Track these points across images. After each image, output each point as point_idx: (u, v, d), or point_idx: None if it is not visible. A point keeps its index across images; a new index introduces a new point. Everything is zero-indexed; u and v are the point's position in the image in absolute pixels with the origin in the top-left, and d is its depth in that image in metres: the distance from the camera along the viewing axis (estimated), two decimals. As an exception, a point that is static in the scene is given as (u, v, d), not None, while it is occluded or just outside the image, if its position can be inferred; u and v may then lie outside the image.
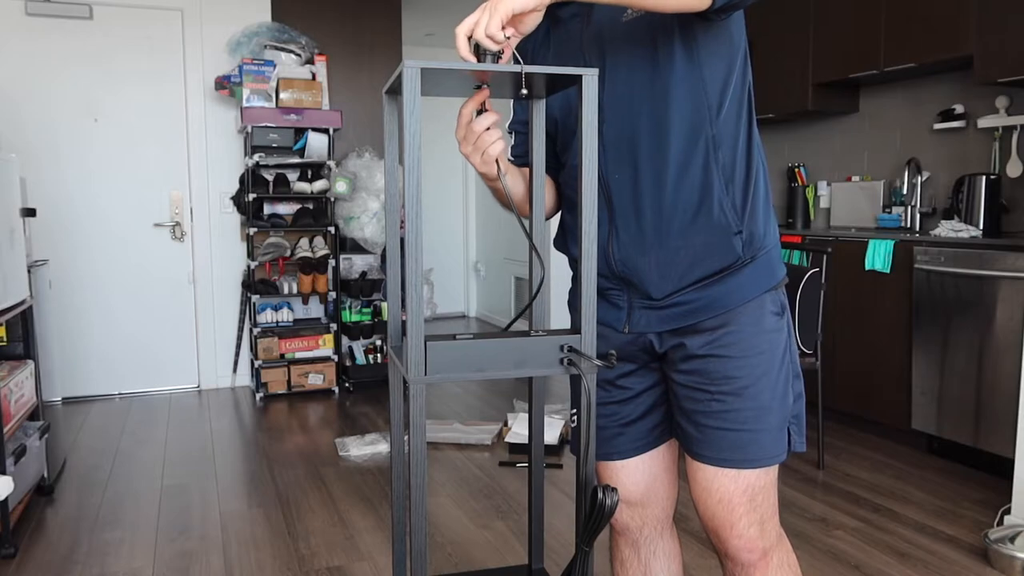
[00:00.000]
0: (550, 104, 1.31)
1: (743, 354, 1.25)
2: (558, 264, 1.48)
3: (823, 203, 4.64)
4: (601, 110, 1.22)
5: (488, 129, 1.11)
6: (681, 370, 1.29)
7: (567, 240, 1.37)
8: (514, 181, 1.29)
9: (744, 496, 1.26)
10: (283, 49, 4.63)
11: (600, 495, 0.98)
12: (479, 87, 1.07)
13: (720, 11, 1.11)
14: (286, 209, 4.79)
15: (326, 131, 4.65)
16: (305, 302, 4.90)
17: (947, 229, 3.44)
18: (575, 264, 1.32)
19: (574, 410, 1.39)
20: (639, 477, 1.40)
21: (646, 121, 1.21)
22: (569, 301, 1.39)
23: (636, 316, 1.30)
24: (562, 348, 1.01)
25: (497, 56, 1.02)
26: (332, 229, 4.72)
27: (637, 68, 1.22)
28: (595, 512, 0.99)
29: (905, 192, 4.01)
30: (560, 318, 1.59)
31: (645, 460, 1.40)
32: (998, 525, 2.60)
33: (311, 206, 4.77)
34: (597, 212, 1.23)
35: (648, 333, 1.31)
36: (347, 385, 4.83)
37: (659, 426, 1.39)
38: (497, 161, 1.15)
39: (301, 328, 4.76)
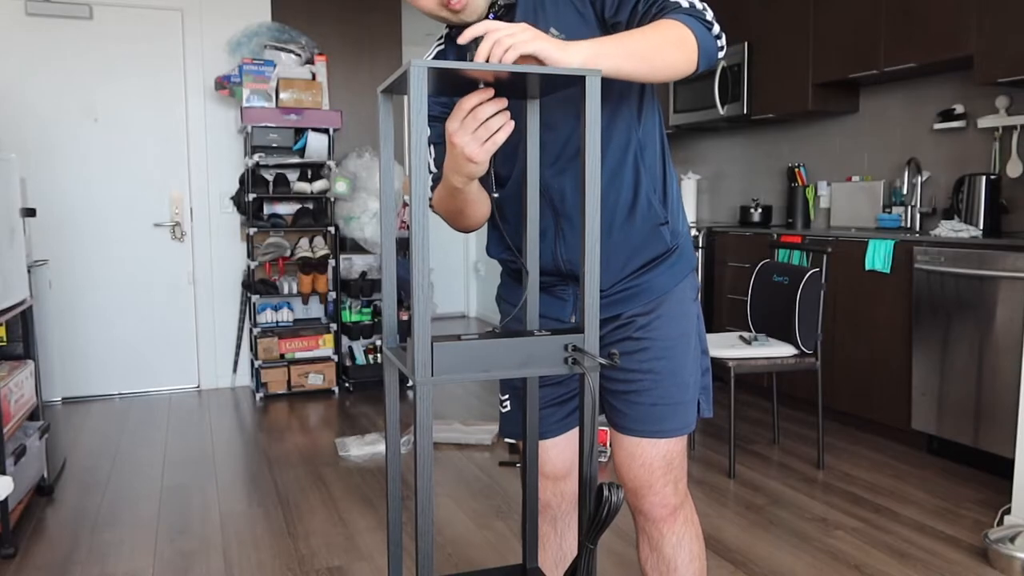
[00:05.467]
0: None
1: (669, 337, 1.41)
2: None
3: (823, 203, 4.64)
4: (544, 127, 1.32)
5: (494, 116, 1.10)
6: (616, 353, 1.40)
7: (497, 246, 1.53)
8: (480, 189, 1.33)
9: (663, 460, 1.43)
10: (283, 49, 4.63)
11: (606, 492, 0.98)
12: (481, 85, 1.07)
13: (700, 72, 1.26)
14: (286, 209, 4.79)
15: (326, 131, 4.66)
16: (305, 302, 4.90)
17: (947, 229, 3.44)
18: (505, 264, 1.54)
19: (505, 396, 1.55)
20: (567, 454, 1.53)
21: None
22: (497, 296, 1.58)
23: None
24: (566, 347, 1.01)
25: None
26: (332, 229, 4.73)
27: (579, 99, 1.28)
28: (600, 509, 0.99)
29: (905, 192, 4.01)
30: None
31: (570, 437, 1.53)
32: (998, 525, 2.60)
33: (311, 206, 4.77)
34: (543, 219, 1.36)
35: None
36: (347, 385, 4.83)
37: (574, 412, 1.52)
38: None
39: (301, 328, 4.76)
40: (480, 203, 1.36)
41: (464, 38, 1.08)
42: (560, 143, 1.35)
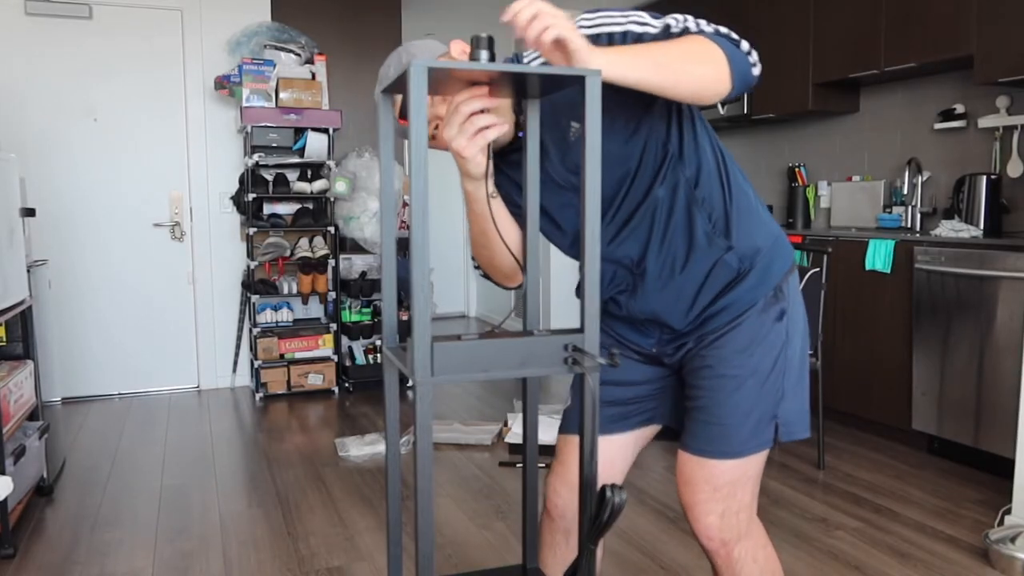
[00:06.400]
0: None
1: (732, 357, 1.35)
2: (557, 268, 1.51)
3: (823, 203, 4.64)
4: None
5: (481, 112, 1.09)
6: (686, 369, 1.43)
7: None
8: (499, 206, 1.32)
9: (707, 484, 1.36)
10: (283, 49, 4.63)
11: (608, 493, 0.98)
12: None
13: (732, 99, 1.23)
14: (286, 209, 4.79)
15: (326, 131, 4.65)
16: (305, 302, 4.90)
17: (947, 229, 3.44)
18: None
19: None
20: (600, 459, 1.44)
21: (633, 192, 1.32)
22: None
23: (663, 339, 1.43)
24: (566, 347, 1.01)
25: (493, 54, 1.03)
26: (332, 229, 4.72)
27: (615, 162, 1.30)
28: (602, 511, 0.99)
29: (905, 192, 4.01)
30: (559, 319, 1.62)
31: (604, 442, 1.46)
32: (998, 525, 2.60)
33: (311, 206, 4.77)
34: (620, 280, 1.38)
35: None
36: (347, 385, 4.83)
37: (630, 417, 1.48)
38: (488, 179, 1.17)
39: (301, 328, 4.76)
40: (501, 225, 1.33)
41: (508, 14, 1.05)
42: (609, 218, 1.34)
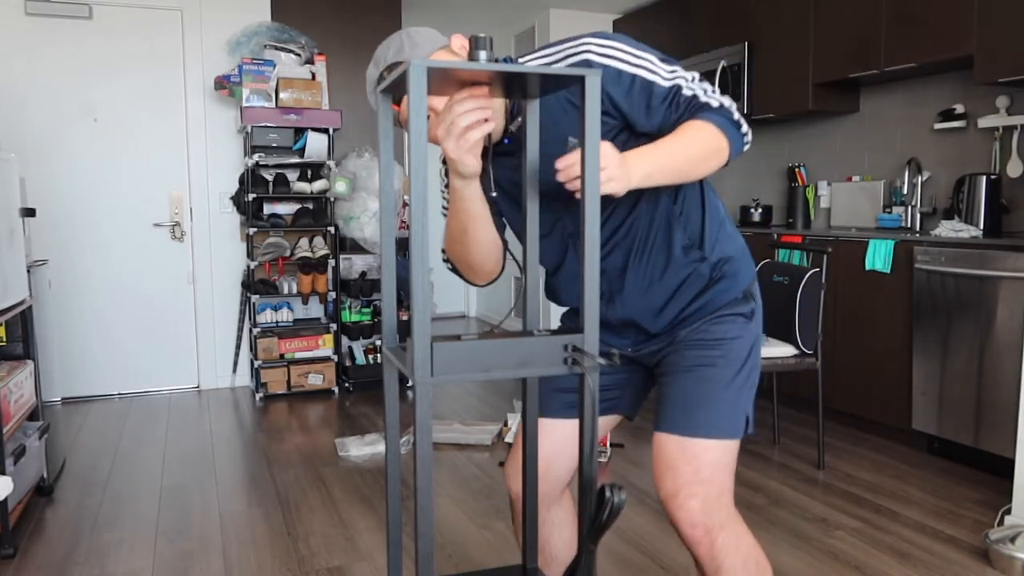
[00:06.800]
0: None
1: (703, 342, 1.42)
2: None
3: (823, 203, 4.64)
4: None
5: (472, 111, 1.09)
6: (662, 364, 1.49)
7: (554, 293, 1.59)
8: (483, 203, 1.34)
9: (688, 466, 1.35)
10: (283, 49, 4.63)
11: (608, 493, 0.98)
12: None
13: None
14: (286, 209, 4.79)
15: (326, 131, 4.65)
16: (305, 302, 4.90)
17: (947, 229, 3.44)
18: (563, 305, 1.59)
19: None
20: (555, 441, 1.53)
21: (621, 207, 1.41)
22: (562, 316, 1.65)
23: (638, 340, 1.51)
24: (566, 348, 1.01)
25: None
26: (332, 229, 4.72)
27: None
28: (601, 511, 0.99)
29: (905, 192, 4.01)
30: (559, 319, 1.65)
31: (554, 426, 1.53)
32: (998, 525, 2.60)
33: (311, 206, 4.77)
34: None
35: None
36: (347, 385, 4.83)
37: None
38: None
39: (301, 328, 4.76)
40: (482, 224, 1.35)
41: (562, 164, 1.15)
42: (603, 234, 1.42)
